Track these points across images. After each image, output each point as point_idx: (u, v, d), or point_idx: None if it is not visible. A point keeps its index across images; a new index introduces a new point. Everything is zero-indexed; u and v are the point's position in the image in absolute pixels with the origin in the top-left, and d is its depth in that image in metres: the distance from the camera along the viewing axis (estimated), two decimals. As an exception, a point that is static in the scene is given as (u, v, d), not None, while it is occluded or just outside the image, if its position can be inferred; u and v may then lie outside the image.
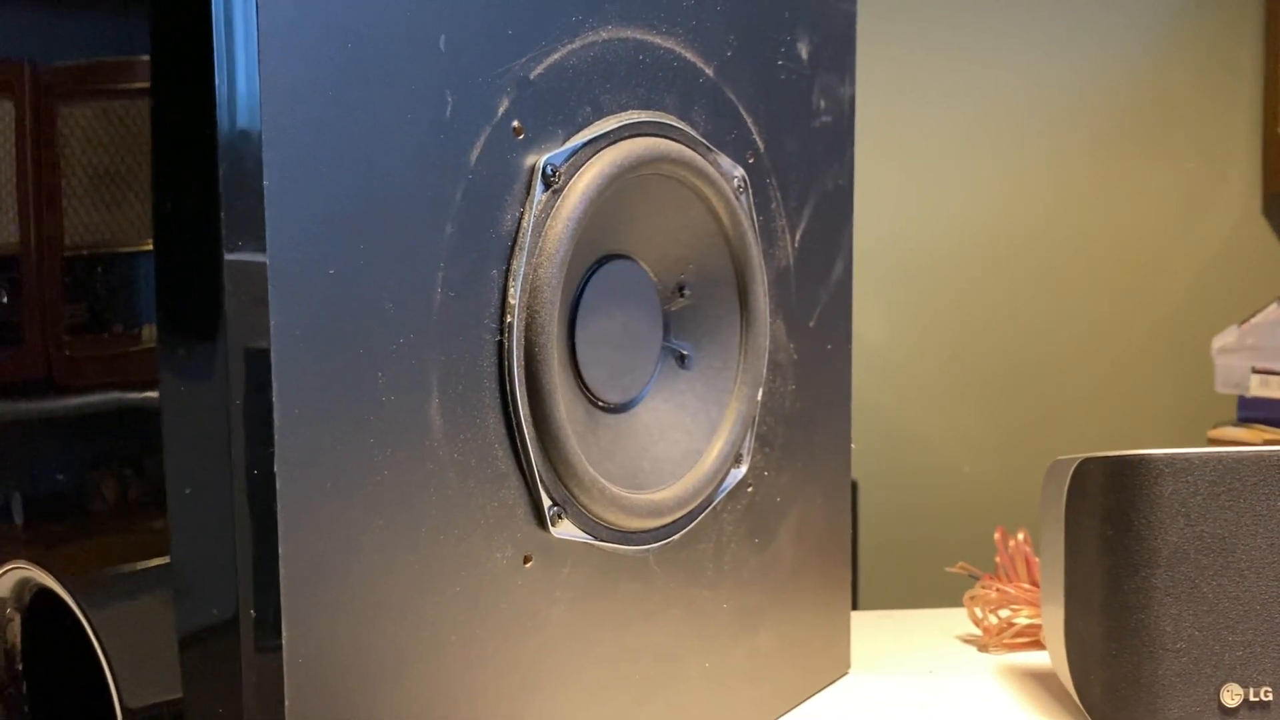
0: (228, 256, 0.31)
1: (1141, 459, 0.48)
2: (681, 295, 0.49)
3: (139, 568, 0.36)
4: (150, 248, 0.34)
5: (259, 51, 0.31)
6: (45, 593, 0.39)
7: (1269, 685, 0.47)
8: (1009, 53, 1.58)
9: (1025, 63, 1.58)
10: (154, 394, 0.34)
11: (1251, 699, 0.47)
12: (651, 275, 0.48)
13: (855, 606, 0.66)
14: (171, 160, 0.33)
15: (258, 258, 0.31)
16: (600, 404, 0.46)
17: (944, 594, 0.83)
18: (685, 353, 0.49)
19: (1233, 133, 1.61)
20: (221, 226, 0.31)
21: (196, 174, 0.32)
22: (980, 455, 1.61)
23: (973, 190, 1.60)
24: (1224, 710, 0.47)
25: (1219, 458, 0.48)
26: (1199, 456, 0.48)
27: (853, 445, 0.60)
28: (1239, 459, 0.48)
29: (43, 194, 0.38)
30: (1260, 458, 0.48)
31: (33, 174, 0.38)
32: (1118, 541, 0.48)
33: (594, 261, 0.45)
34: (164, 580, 0.34)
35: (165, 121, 0.33)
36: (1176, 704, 0.47)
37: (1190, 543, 0.47)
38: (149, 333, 0.34)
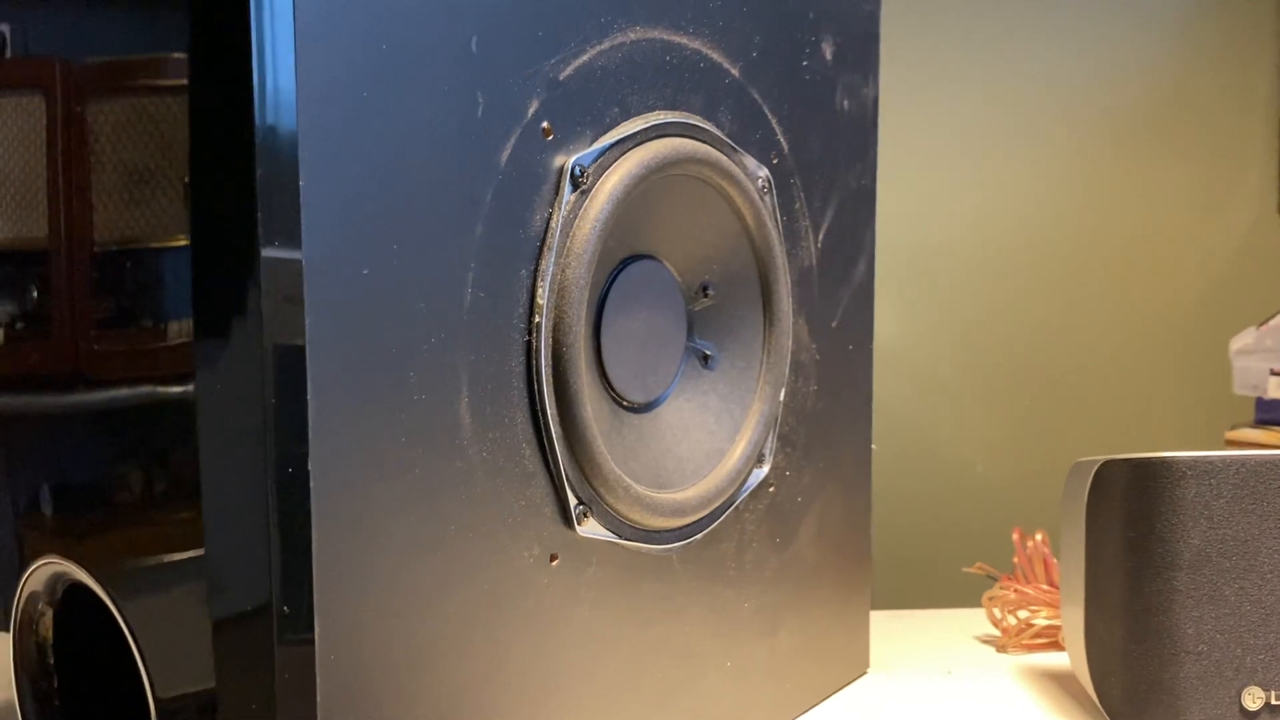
0: (264, 254, 0.32)
1: (1164, 461, 0.48)
2: (706, 295, 0.49)
3: (170, 560, 0.36)
4: (179, 244, 0.34)
5: (295, 52, 0.31)
6: (77, 587, 0.39)
7: (1291, 688, 0.47)
8: (1026, 53, 1.58)
9: (1042, 63, 1.58)
10: (186, 389, 0.34)
11: (1273, 702, 0.47)
12: (676, 275, 0.48)
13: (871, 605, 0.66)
14: (209, 158, 0.33)
15: (294, 255, 0.32)
16: (625, 404, 0.46)
17: (961, 594, 0.83)
18: (709, 353, 0.50)
19: (1250, 133, 1.60)
20: (259, 225, 0.31)
21: (234, 172, 0.32)
22: (995, 455, 1.61)
23: (988, 190, 1.60)
24: (1245, 713, 0.47)
25: (1242, 461, 0.48)
26: (1222, 460, 0.48)
27: (874, 446, 0.60)
28: (1262, 462, 0.48)
29: (73, 190, 0.38)
30: (1284, 461, 0.48)
31: (63, 170, 0.38)
32: (1139, 543, 0.48)
33: (620, 261, 0.45)
34: (196, 573, 0.34)
35: (203, 120, 0.33)
36: (1198, 707, 0.47)
37: (1212, 545, 0.47)
38: (178, 328, 0.35)
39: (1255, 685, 0.47)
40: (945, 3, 1.55)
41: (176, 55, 0.34)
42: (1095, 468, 0.52)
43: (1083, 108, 1.56)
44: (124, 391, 0.37)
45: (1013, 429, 1.59)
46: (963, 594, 0.81)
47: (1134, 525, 0.49)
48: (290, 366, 0.32)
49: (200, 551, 0.34)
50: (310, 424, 0.32)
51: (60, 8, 0.39)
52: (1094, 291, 1.59)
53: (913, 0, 1.53)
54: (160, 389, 0.36)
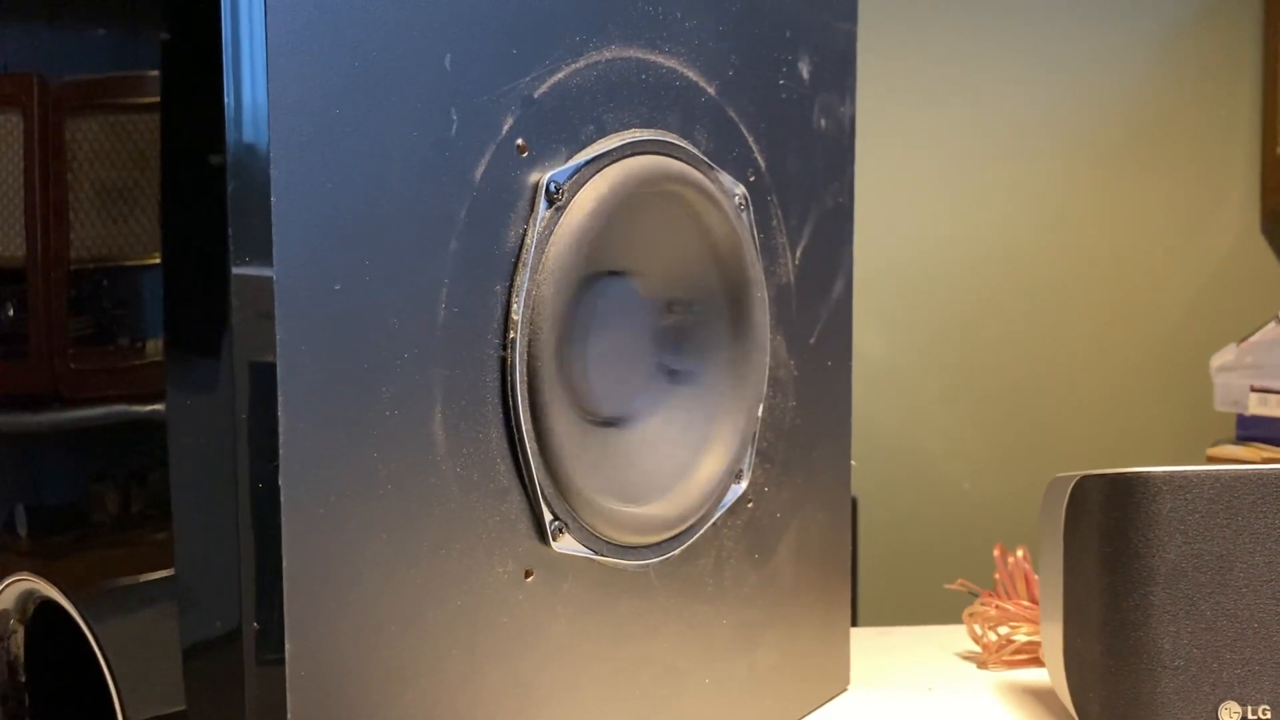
0: (235, 271, 0.32)
1: (1140, 476, 0.48)
2: (683, 312, 0.49)
3: (143, 580, 0.36)
4: (156, 261, 0.34)
5: (268, 68, 0.31)
6: (48, 604, 0.39)
7: (1267, 704, 0.47)
8: (1009, 73, 1.59)
9: (1025, 82, 1.59)
10: (159, 407, 0.34)
11: (1249, 717, 0.47)
12: (654, 292, 0.49)
13: (854, 623, 0.66)
14: (180, 175, 0.33)
15: (265, 272, 0.32)
16: (601, 419, 0.46)
17: (943, 611, 0.83)
18: (686, 369, 0.50)
19: (1231, 152, 1.61)
20: (230, 241, 0.32)
21: (205, 189, 0.32)
22: (980, 472, 1.61)
23: (973, 208, 1.60)
24: (1222, 728, 0.47)
25: (1217, 476, 0.48)
26: (1197, 474, 0.48)
27: (853, 462, 0.60)
28: (1237, 477, 0.48)
29: (50, 207, 0.38)
30: (1258, 476, 0.48)
31: (40, 187, 0.38)
32: (1116, 559, 0.48)
33: (597, 278, 0.45)
34: (168, 593, 0.34)
35: (174, 136, 0.33)
36: (1175, 721, 0.47)
37: (1188, 560, 0.48)
38: (154, 346, 0.34)
39: (1232, 700, 0.47)
40: (930, 27, 1.57)
41: (152, 73, 0.34)
42: (1072, 483, 0.52)
43: (1068, 129, 1.58)
44: (98, 410, 0.37)
45: (999, 447, 1.59)
46: (947, 610, 0.81)
47: (1110, 540, 0.49)
48: (261, 382, 0.32)
49: (171, 571, 0.34)
50: (281, 439, 0.32)
51: (38, 25, 0.39)
52: (1078, 311, 1.59)
53: (897, 25, 1.55)
54: (133, 407, 0.35)
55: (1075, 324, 1.59)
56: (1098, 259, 1.58)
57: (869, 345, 1.57)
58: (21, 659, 0.41)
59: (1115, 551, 0.48)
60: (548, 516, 0.41)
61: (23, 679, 0.41)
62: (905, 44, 1.56)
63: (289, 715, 0.33)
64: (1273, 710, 0.47)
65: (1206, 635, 0.47)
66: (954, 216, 1.57)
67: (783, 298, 0.53)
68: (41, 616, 0.40)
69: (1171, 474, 0.48)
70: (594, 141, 0.42)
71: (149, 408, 0.35)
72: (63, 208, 0.37)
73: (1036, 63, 1.56)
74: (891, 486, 1.56)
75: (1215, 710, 0.47)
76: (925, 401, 1.59)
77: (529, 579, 0.41)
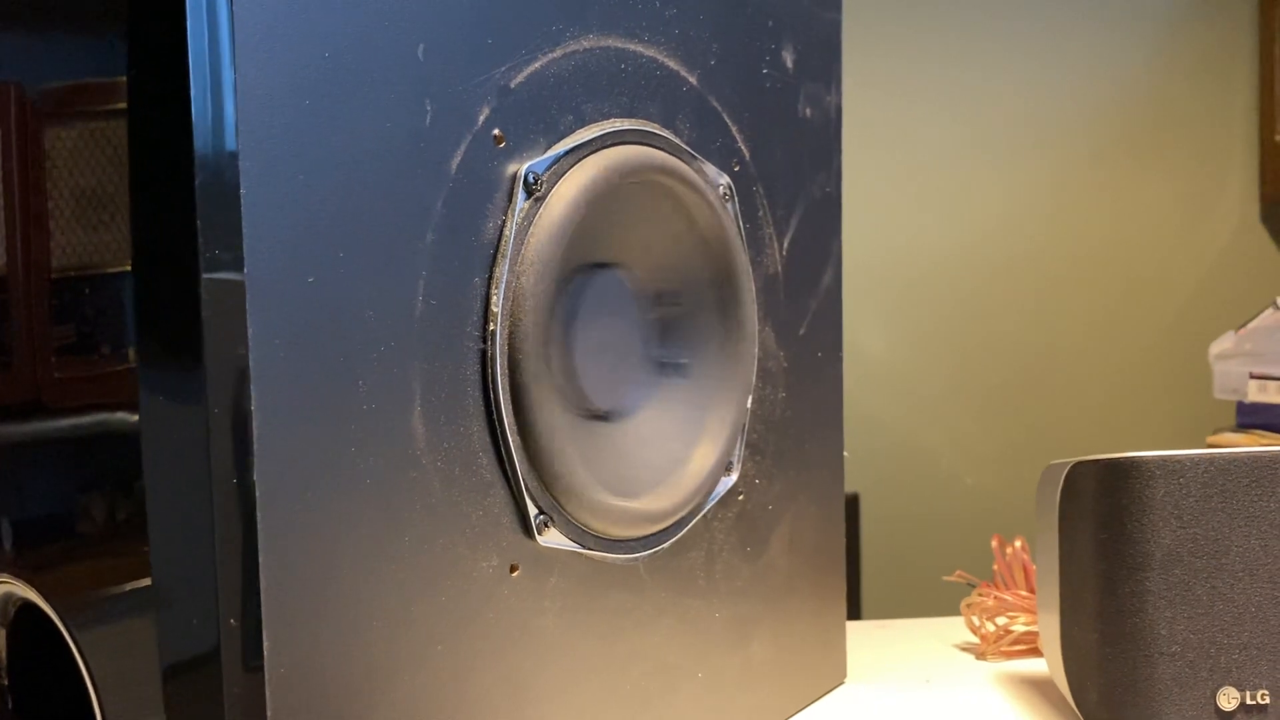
0: (205, 266, 0.31)
1: (1133, 461, 0.48)
2: (669, 303, 0.49)
3: (126, 588, 0.35)
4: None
5: (235, 60, 0.31)
6: (30, 607, 0.38)
7: (1266, 688, 0.47)
8: (1007, 63, 1.58)
9: (1023, 73, 1.58)
10: (130, 410, 0.34)
11: (1248, 702, 0.47)
12: (640, 283, 0.48)
13: (859, 617, 0.65)
14: (148, 175, 0.33)
15: (236, 270, 0.31)
16: (586, 411, 0.46)
17: (948, 604, 0.82)
18: (674, 361, 0.49)
19: (1230, 141, 1.61)
20: (199, 237, 0.31)
21: (174, 185, 0.32)
22: (980, 466, 1.61)
23: (971, 201, 1.60)
24: (1221, 714, 0.47)
25: (1210, 459, 0.47)
26: (1190, 458, 0.47)
27: (845, 454, 0.60)
28: (1231, 460, 0.47)
29: (30, 216, 0.38)
30: (1252, 458, 0.47)
31: (20, 196, 0.38)
32: (1111, 545, 0.48)
33: (578, 269, 0.45)
34: (147, 599, 0.34)
35: (142, 133, 0.33)
36: (1173, 708, 0.47)
37: (1183, 545, 0.47)
38: (129, 352, 0.34)
39: (1230, 685, 0.47)
40: (927, 20, 1.56)
41: (125, 77, 0.33)
42: (1066, 470, 0.52)
43: (1066, 119, 1.57)
44: (82, 419, 0.36)
45: (1000, 441, 1.59)
46: (948, 603, 0.80)
47: (1105, 526, 0.48)
48: (233, 379, 0.32)
49: (149, 579, 0.34)
50: (255, 436, 0.32)
51: (14, 33, 0.38)
52: (1078, 301, 1.59)
53: (895, 18, 1.54)
54: (115, 415, 0.35)
55: (1075, 316, 1.59)
56: (1097, 250, 1.58)
57: (869, 341, 1.57)
58: (3, 662, 0.40)
59: (1110, 537, 0.48)
60: (532, 510, 0.40)
61: (4, 681, 0.40)
62: (903, 36, 1.55)
63: (269, 718, 0.32)
64: (1272, 695, 0.47)
65: (1203, 620, 0.47)
66: (953, 210, 1.57)
67: (771, 289, 0.53)
68: (23, 621, 0.40)
69: (1165, 458, 0.47)
70: (573, 132, 0.42)
71: (131, 415, 0.34)
72: (43, 216, 0.37)
73: (1035, 54, 1.56)
74: (893, 482, 1.56)
75: (1213, 696, 0.47)
76: (926, 396, 1.58)
77: (515, 574, 0.40)
